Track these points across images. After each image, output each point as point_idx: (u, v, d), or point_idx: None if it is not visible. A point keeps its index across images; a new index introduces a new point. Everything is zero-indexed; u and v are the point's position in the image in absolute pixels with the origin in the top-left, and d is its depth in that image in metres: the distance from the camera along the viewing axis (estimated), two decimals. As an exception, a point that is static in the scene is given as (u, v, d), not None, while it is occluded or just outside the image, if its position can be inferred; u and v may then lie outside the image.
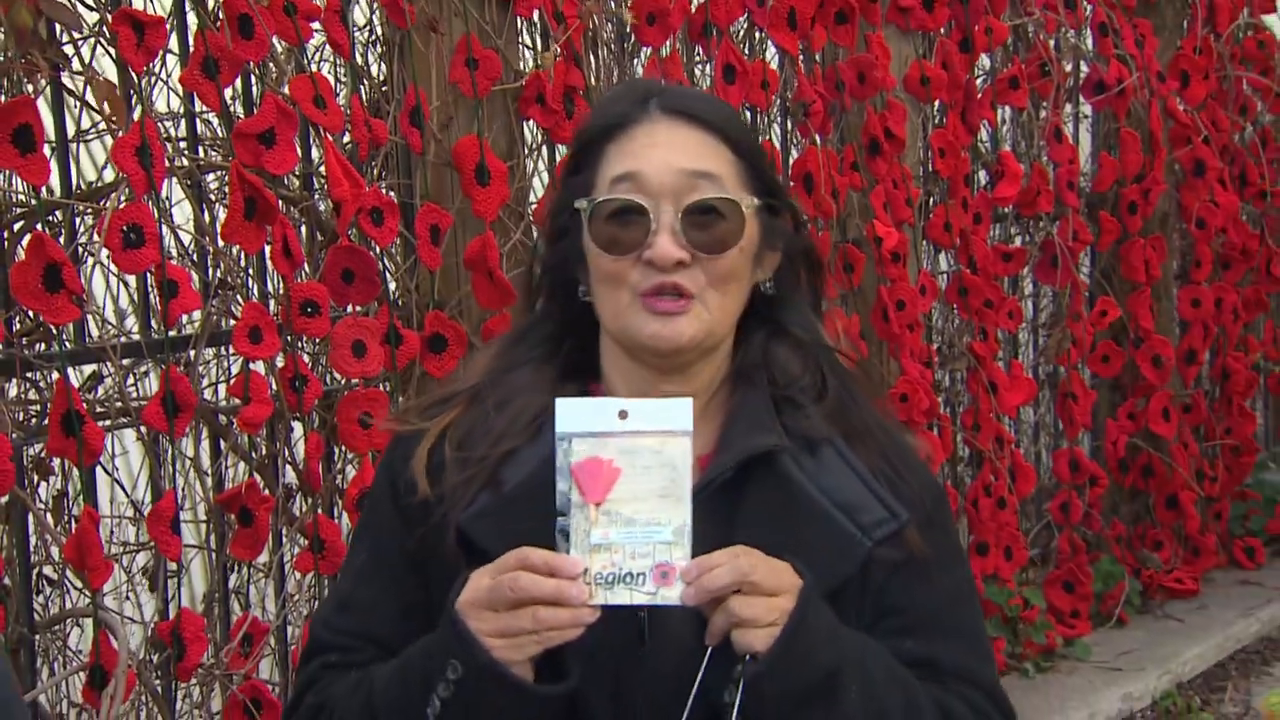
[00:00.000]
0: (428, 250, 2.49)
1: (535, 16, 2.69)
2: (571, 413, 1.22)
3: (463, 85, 2.54)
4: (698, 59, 3.04)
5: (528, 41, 2.77)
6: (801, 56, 3.17)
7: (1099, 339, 4.18)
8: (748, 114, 3.06)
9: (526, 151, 2.76)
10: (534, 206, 2.73)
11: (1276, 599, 4.55)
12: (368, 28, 2.63)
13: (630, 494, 1.21)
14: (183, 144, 2.35)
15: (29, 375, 2.21)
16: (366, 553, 1.41)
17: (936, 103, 3.63)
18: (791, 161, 3.22)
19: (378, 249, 2.45)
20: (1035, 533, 4.17)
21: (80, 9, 2.13)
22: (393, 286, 2.59)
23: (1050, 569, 4.15)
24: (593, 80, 2.73)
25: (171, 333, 2.20)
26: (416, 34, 2.52)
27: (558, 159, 2.75)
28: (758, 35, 3.19)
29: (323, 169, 2.41)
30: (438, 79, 2.54)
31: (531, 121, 2.70)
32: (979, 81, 3.79)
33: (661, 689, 1.30)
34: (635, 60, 2.96)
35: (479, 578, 1.24)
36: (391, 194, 2.51)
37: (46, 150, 1.99)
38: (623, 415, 1.23)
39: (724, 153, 1.36)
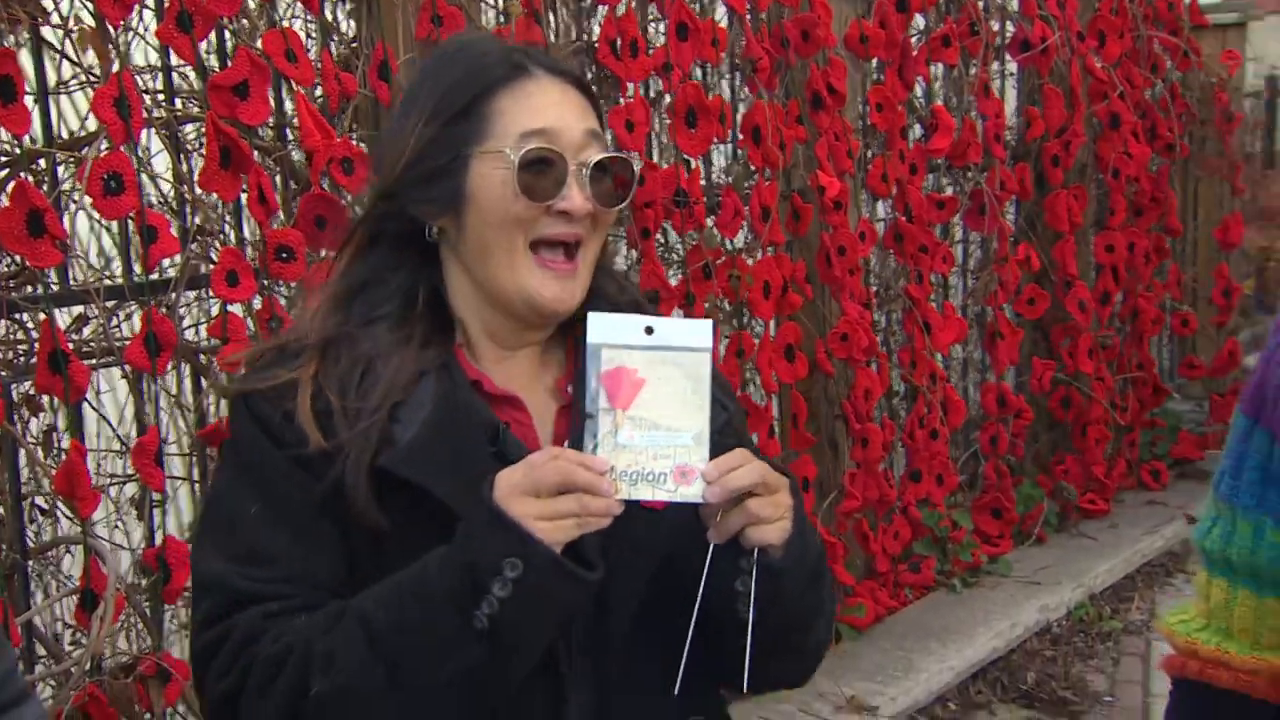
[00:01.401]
0: None
1: (498, -25, 2.64)
2: (602, 325, 1.22)
3: (429, 40, 2.48)
4: (652, 17, 2.99)
5: (490, 0, 2.71)
6: (749, 15, 3.13)
7: (1024, 282, 4.18)
8: (699, 70, 3.02)
9: None
10: None
11: (1178, 517, 4.62)
12: None
13: (653, 401, 1.22)
14: (160, 96, 2.28)
15: (16, 316, 2.15)
16: (259, 503, 1.28)
17: (874, 60, 3.60)
18: (740, 115, 3.19)
19: (349, 196, 2.40)
20: (964, 460, 4.18)
21: (58, -35, 2.06)
22: None
23: (977, 494, 4.17)
24: (552, 38, 2.69)
25: (152, 276, 2.15)
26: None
27: None
28: None
29: (295, 120, 2.36)
30: (404, 35, 2.48)
31: None
32: (914, 40, 3.76)
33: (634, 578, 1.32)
34: (592, 19, 2.91)
35: (510, 473, 1.20)
36: (361, 145, 2.45)
37: (29, 100, 1.93)
38: (649, 331, 1.23)
39: (594, 113, 1.38)
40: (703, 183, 3.09)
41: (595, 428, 1.21)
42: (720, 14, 3.15)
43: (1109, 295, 4.51)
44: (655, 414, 1.22)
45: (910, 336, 3.74)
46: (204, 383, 2.35)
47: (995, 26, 4.11)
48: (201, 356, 2.34)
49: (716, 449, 1.26)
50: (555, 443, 1.34)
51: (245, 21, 2.28)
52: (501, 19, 2.66)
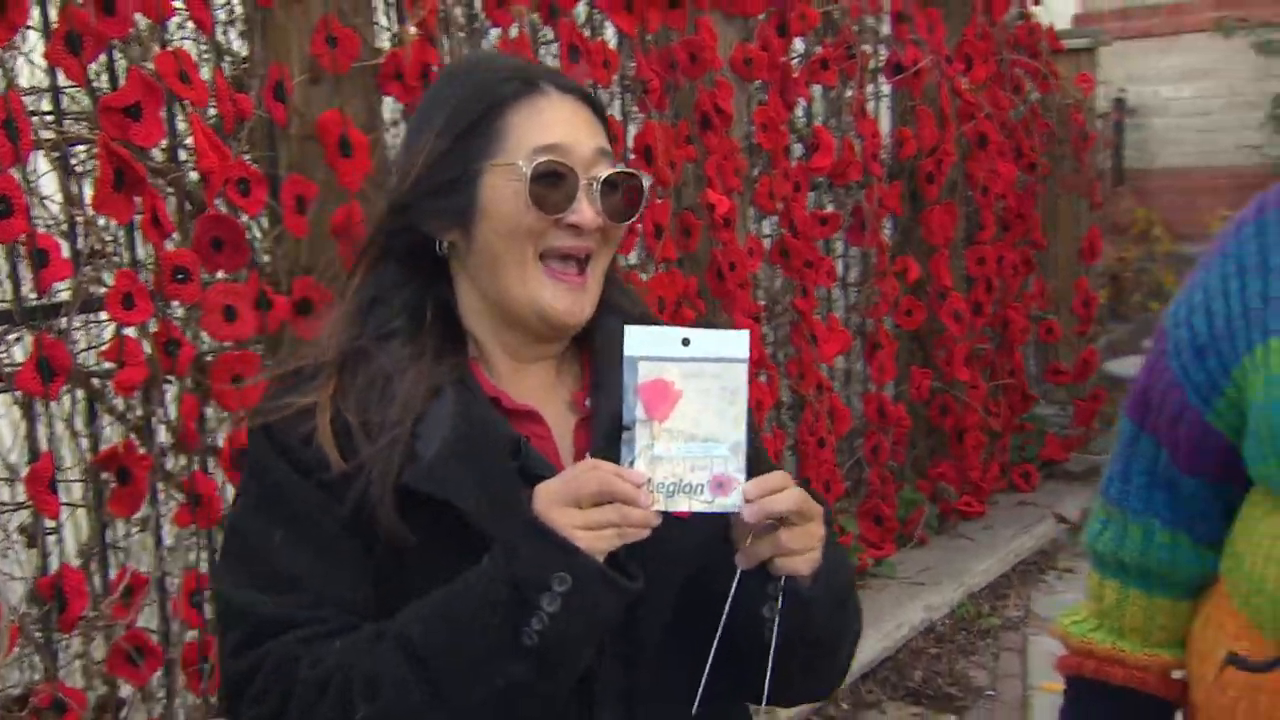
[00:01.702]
0: (294, 219, 2.39)
1: (391, -2, 2.61)
2: (639, 338, 1.21)
3: (323, 61, 2.44)
4: (544, 39, 2.97)
5: (383, 22, 2.67)
6: (638, 38, 3.14)
7: (902, 295, 4.25)
8: (591, 87, 3.01)
9: (386, 125, 2.68)
10: None
11: (1048, 516, 4.75)
12: (227, 6, 2.48)
13: (691, 413, 1.21)
14: (49, 118, 2.19)
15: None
16: (284, 529, 1.26)
17: (758, 81, 3.64)
18: (632, 135, 3.20)
19: (246, 218, 2.34)
20: (848, 467, 4.23)
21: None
22: (266, 259, 2.49)
23: (861, 500, 4.22)
24: (446, 59, 2.66)
25: (44, 300, 2.07)
26: (278, 11, 2.41)
27: None
28: (598, 18, 3.15)
29: (189, 141, 2.29)
30: (299, 56, 2.44)
31: (391, 98, 2.61)
32: (794, 63, 3.80)
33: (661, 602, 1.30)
34: (484, 40, 2.89)
35: (548, 486, 1.19)
36: (257, 166, 2.39)
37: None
38: (685, 343, 1.21)
39: (602, 129, 1.37)
40: None
41: (633, 439, 1.20)
42: (610, 35, 3.16)
43: (981, 306, 4.62)
44: (692, 425, 1.21)
45: (798, 349, 3.77)
46: (98, 408, 2.26)
47: (869, 50, 4.18)
48: (95, 381, 2.25)
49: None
50: (576, 456, 1.32)
51: (136, 43, 2.20)
52: (395, 41, 2.62)
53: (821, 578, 1.24)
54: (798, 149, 3.91)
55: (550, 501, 1.17)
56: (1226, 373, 1.51)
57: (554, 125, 1.30)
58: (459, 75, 1.39)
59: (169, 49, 2.20)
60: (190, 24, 2.34)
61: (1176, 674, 1.65)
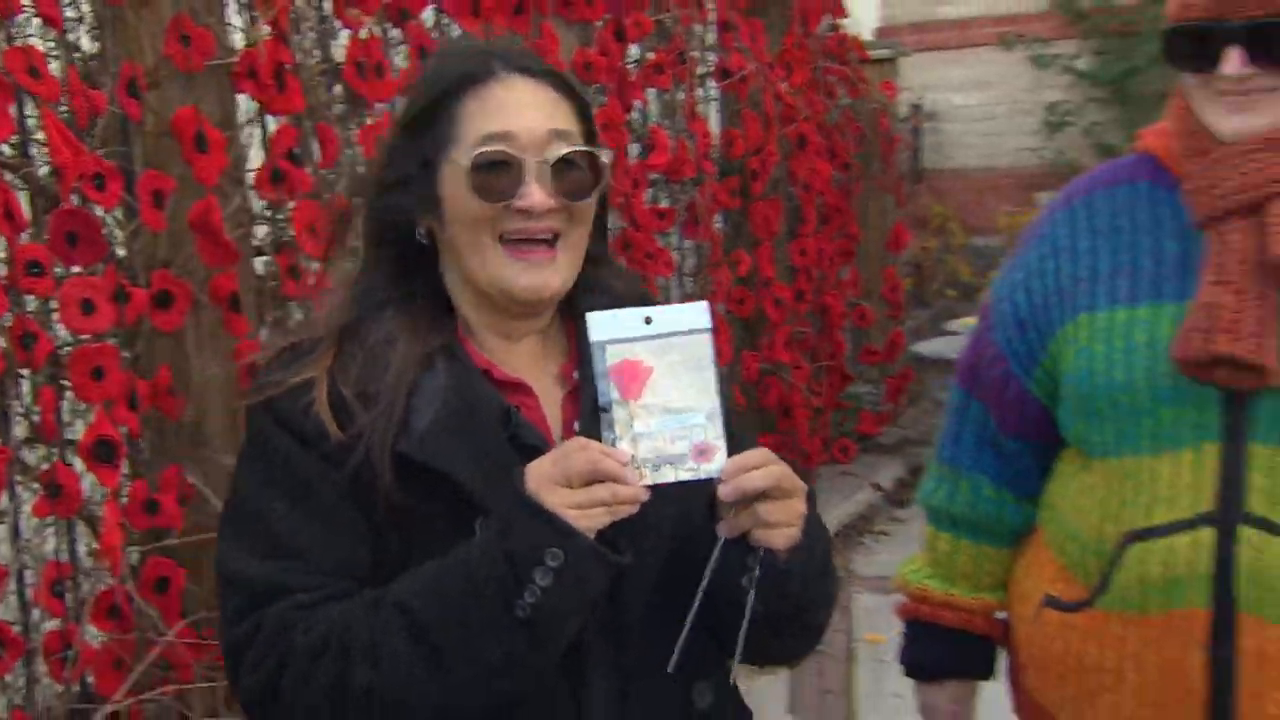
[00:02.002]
0: (150, 213, 2.28)
1: (242, -2, 2.52)
2: (602, 323, 1.19)
3: (177, 59, 2.33)
4: (393, 41, 2.90)
5: (235, 22, 2.57)
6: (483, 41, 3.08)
7: (734, 284, 4.30)
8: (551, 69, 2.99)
9: (242, 122, 2.58)
10: (251, 173, 2.57)
11: (865, 485, 4.86)
12: (74, 4, 2.35)
13: (663, 388, 1.19)
14: (-107, 112, 2.04)
15: None
16: (285, 499, 1.23)
17: (597, 84, 3.62)
18: None
19: (102, 212, 2.23)
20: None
21: None
22: (121, 251, 2.37)
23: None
24: (299, 58, 2.57)
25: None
26: (128, 10, 2.30)
27: (273, 131, 2.59)
28: (445, 21, 3.09)
29: (40, 136, 2.17)
30: (152, 53, 2.33)
31: (245, 96, 2.52)
32: (630, 67, 3.81)
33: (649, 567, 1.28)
34: (335, 41, 2.80)
35: (539, 465, 1.17)
36: (111, 160, 2.27)
37: None
38: (648, 321, 1.20)
39: (570, 107, 1.30)
40: None
41: (612, 420, 1.18)
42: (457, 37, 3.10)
43: (803, 294, 4.71)
44: (666, 399, 1.19)
45: (638, 335, 3.76)
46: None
47: (699, 56, 4.21)
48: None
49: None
50: (564, 427, 1.31)
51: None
52: (249, 40, 2.51)
53: (801, 552, 1.23)
54: (635, 148, 3.91)
55: (542, 480, 1.16)
56: (1044, 345, 1.56)
57: (502, 111, 1.26)
58: (427, 66, 1.35)
59: (17, 44, 2.08)
60: (38, 20, 2.21)
61: (1000, 615, 1.71)
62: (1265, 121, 1.44)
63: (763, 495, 1.19)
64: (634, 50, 3.84)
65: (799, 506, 1.22)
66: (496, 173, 1.24)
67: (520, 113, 1.26)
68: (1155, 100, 6.18)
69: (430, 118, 1.28)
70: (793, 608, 1.26)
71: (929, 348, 5.94)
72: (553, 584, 1.13)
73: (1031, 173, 6.81)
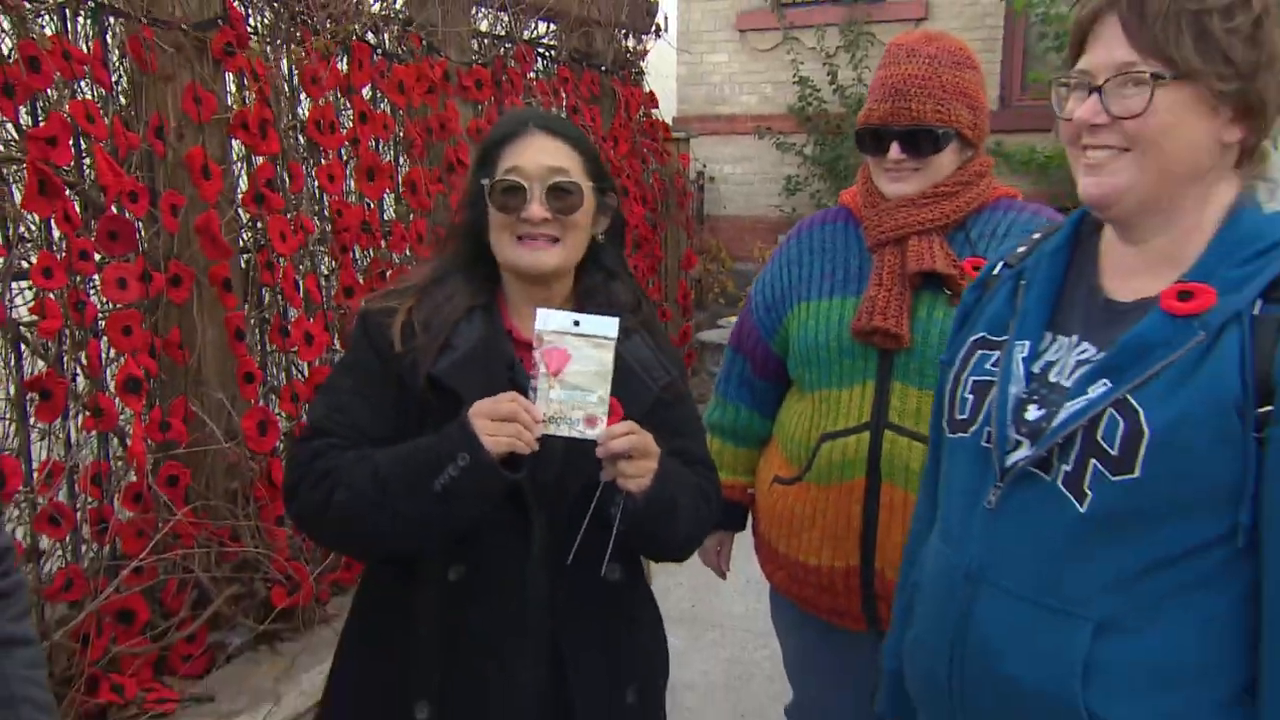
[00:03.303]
0: (169, 220, 2.32)
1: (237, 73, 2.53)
2: (545, 316, 1.19)
3: (190, 114, 2.36)
4: (343, 108, 2.94)
5: (231, 89, 2.59)
6: (406, 110, 3.14)
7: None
8: (375, 143, 3.01)
9: (235, 159, 2.58)
10: (240, 194, 2.56)
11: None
12: (117, 71, 2.35)
13: (574, 371, 1.18)
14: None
15: None
16: (352, 380, 1.27)
17: None
18: (402, 175, 3.15)
19: (134, 218, 2.25)
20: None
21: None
22: (145, 246, 2.36)
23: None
24: (276, 116, 2.60)
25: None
26: (157, 79, 2.31)
27: (257, 166, 2.58)
28: (380, 96, 3.10)
29: (90, 162, 2.17)
30: (174, 107, 2.34)
31: (238, 141, 2.53)
32: None
33: (553, 491, 1.27)
34: (300, 106, 2.82)
35: (480, 404, 1.18)
36: (143, 182, 2.29)
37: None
38: (576, 323, 1.18)
39: (573, 154, 1.30)
40: (381, 217, 3.06)
41: (536, 385, 1.17)
42: (385, 107, 3.12)
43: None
44: (575, 380, 1.17)
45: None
46: (24, 348, 2.12)
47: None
48: (23, 329, 2.12)
49: (659, 403, 1.26)
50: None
51: (53, 92, 2.08)
52: (240, 102, 2.55)
53: (651, 493, 1.21)
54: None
55: (479, 411, 1.17)
56: (780, 320, 1.65)
57: (520, 153, 1.27)
58: (493, 125, 1.35)
59: (78, 98, 2.10)
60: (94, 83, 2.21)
61: (750, 490, 1.79)
62: (912, 188, 1.54)
63: (627, 456, 1.18)
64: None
65: (650, 465, 1.20)
66: (510, 193, 1.26)
67: (531, 155, 1.27)
68: (851, 174, 6.59)
69: (485, 159, 1.30)
70: (647, 531, 1.24)
71: (707, 336, 5.96)
72: (460, 475, 1.15)
73: (776, 220, 7.05)
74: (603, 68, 4.53)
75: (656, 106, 5.20)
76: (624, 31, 4.72)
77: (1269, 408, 0.89)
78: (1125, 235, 1.03)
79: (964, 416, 1.09)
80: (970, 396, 1.09)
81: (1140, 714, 0.94)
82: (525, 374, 1.23)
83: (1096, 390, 0.96)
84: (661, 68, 5.89)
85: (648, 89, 4.98)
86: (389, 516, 1.18)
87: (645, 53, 4.96)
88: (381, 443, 1.23)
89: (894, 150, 1.53)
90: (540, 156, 1.27)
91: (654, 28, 4.96)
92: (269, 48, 2.62)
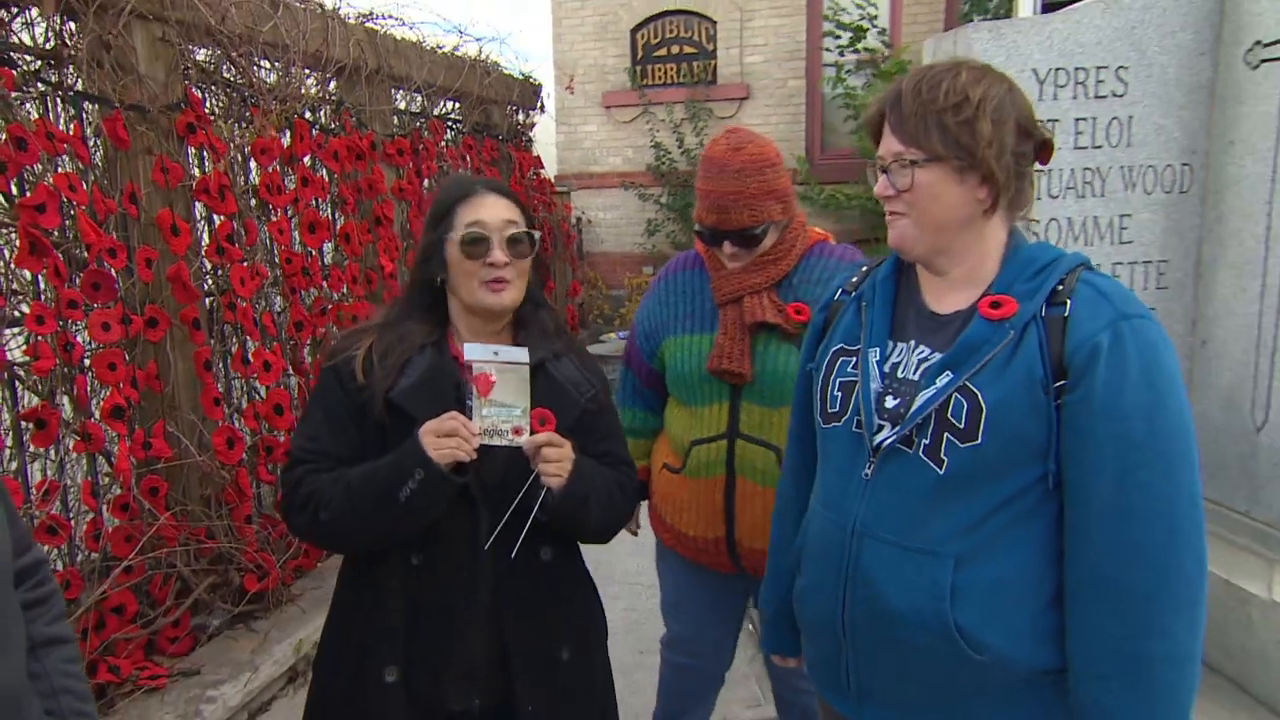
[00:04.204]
0: (144, 271, 2.24)
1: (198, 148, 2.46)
2: (471, 350, 1.18)
3: (159, 182, 2.29)
4: (288, 174, 2.87)
5: (194, 161, 2.51)
6: (340, 174, 3.09)
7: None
8: (315, 201, 2.96)
9: (198, 219, 2.51)
10: (205, 246, 2.48)
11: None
12: (96, 147, 2.25)
13: (501, 392, 1.17)
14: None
15: None
16: (322, 412, 1.24)
17: (407, 200, 3.55)
18: (338, 227, 3.08)
19: (114, 270, 2.16)
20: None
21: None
22: (124, 294, 2.26)
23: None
24: (233, 182, 2.54)
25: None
26: (131, 154, 2.23)
27: (218, 224, 2.51)
28: (319, 164, 3.02)
29: (72, 223, 2.08)
30: (144, 176, 2.26)
31: (200, 204, 2.46)
32: (425, 189, 3.69)
33: (498, 489, 1.25)
34: (252, 173, 2.75)
35: (428, 424, 1.16)
36: (122, 240, 2.20)
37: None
38: (496, 353, 1.18)
39: (515, 208, 1.29)
40: (321, 263, 2.99)
41: (471, 407, 1.16)
42: (323, 172, 3.05)
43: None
44: (501, 398, 1.17)
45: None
46: (19, 386, 2.01)
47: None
48: (18, 368, 2.00)
49: (586, 413, 1.25)
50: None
51: (39, 167, 1.99)
52: (203, 172, 2.48)
53: (566, 489, 1.21)
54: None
55: (427, 429, 1.16)
56: (657, 347, 1.66)
57: (479, 209, 1.26)
58: (442, 187, 1.32)
59: (60, 171, 2.02)
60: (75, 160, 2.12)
61: (649, 468, 1.76)
62: (743, 263, 1.54)
63: (546, 458, 1.19)
64: (427, 182, 3.77)
65: (566, 466, 1.21)
66: (476, 244, 1.24)
67: (489, 210, 1.26)
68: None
69: (441, 217, 1.27)
70: (566, 518, 1.23)
71: (590, 350, 6.09)
72: (418, 486, 1.14)
73: (640, 255, 7.20)
74: (499, 137, 4.56)
75: (543, 167, 5.25)
76: (515, 108, 4.76)
77: (1062, 382, 0.96)
78: (929, 269, 1.09)
79: (835, 410, 1.12)
80: (839, 394, 1.12)
81: (992, 622, 0.99)
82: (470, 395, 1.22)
83: (942, 380, 1.01)
84: (545, 137, 5.95)
85: (536, 153, 4.99)
86: (365, 527, 1.19)
87: (533, 125, 5.01)
88: (350, 461, 1.22)
89: (727, 246, 1.56)
90: (496, 211, 1.26)
91: (539, 105, 5.03)
92: (224, 125, 2.56)
